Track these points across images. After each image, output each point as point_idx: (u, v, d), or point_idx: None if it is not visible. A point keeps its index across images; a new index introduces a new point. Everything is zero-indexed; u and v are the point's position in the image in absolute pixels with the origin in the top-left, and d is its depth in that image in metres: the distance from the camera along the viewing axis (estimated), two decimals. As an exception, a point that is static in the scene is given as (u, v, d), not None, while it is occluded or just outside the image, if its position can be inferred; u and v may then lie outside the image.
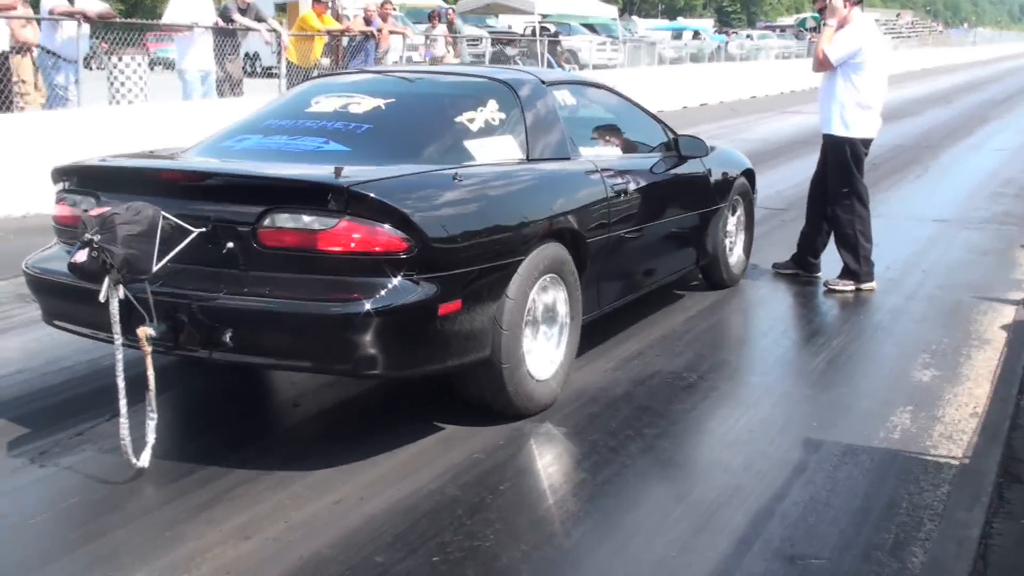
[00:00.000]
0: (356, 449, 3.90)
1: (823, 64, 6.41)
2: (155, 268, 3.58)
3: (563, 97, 5.19)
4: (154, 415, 3.67)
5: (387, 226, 3.58)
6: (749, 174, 6.70)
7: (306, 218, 3.60)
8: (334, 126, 4.41)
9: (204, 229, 3.69)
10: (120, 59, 10.51)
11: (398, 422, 4.18)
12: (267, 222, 3.63)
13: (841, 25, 6.37)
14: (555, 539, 3.26)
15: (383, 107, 4.58)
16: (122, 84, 10.59)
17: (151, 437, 3.68)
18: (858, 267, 6.45)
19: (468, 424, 4.15)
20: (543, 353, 4.35)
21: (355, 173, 3.80)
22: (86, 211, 3.75)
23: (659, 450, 3.95)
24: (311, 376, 4.68)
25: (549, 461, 3.90)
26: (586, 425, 4.21)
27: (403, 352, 3.71)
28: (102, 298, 3.53)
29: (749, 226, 6.78)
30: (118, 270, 3.49)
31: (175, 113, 10.25)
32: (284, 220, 3.62)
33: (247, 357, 3.79)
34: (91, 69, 11.18)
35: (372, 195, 3.60)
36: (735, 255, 6.60)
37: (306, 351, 3.68)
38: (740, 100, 24.37)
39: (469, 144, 4.41)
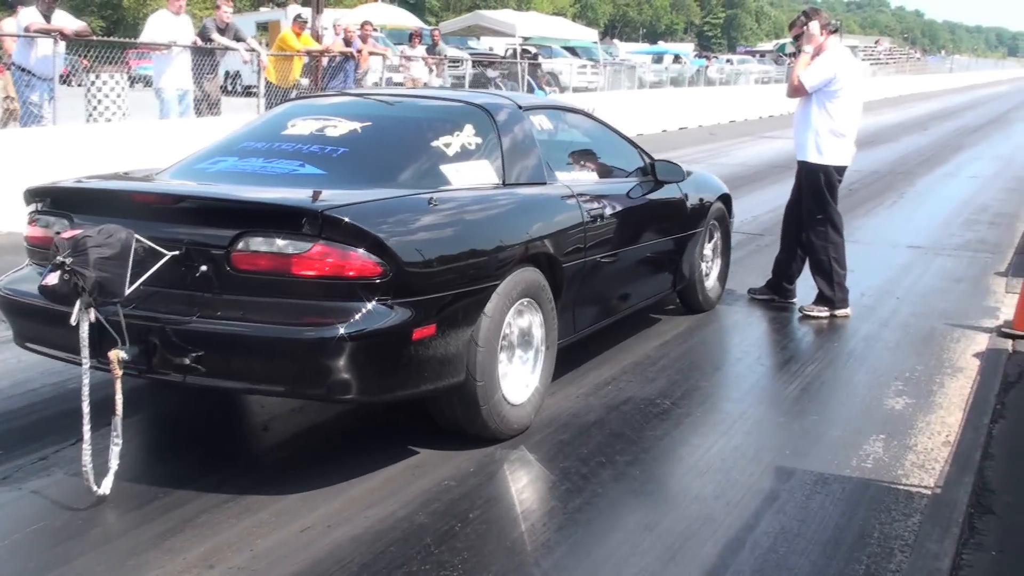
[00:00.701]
0: (325, 475, 3.86)
1: (797, 90, 6.45)
2: (127, 291, 3.54)
3: (539, 122, 5.21)
4: (119, 441, 3.62)
5: (361, 250, 3.57)
6: (726, 199, 6.72)
7: (280, 242, 3.59)
8: (309, 149, 4.39)
9: (177, 252, 3.67)
10: (98, 76, 10.47)
11: (368, 448, 4.14)
12: (241, 245, 3.61)
13: (817, 52, 6.41)
14: (524, 568, 3.22)
15: (359, 130, 4.58)
16: (99, 102, 10.54)
17: (114, 464, 3.62)
18: (832, 293, 6.47)
19: (439, 450, 4.12)
20: (518, 377, 4.34)
21: (330, 197, 3.79)
22: (58, 233, 3.71)
23: (630, 478, 3.93)
24: (281, 400, 4.64)
25: (520, 489, 3.87)
26: (557, 452, 4.18)
27: (377, 377, 3.69)
28: (73, 321, 3.49)
29: (726, 251, 6.81)
30: (89, 293, 3.45)
31: (152, 132, 10.21)
32: (258, 244, 3.61)
33: (220, 381, 3.75)
34: (71, 86, 11.13)
35: (346, 219, 3.58)
36: (711, 280, 6.62)
37: (279, 375, 3.65)
38: (719, 124, 24.52)
39: (445, 168, 4.41)
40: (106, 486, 3.59)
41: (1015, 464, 4.18)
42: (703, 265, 6.43)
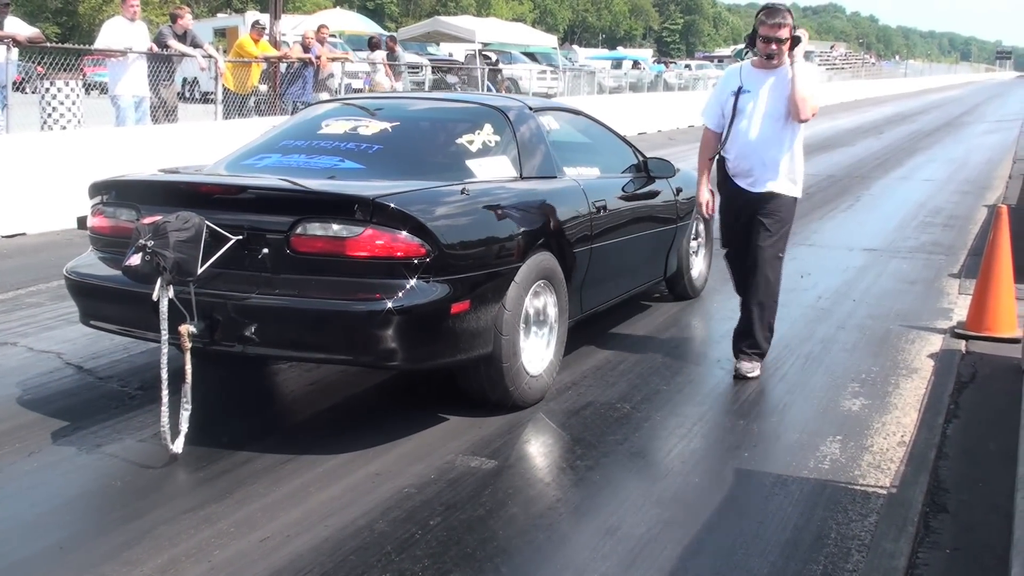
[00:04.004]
0: (283, 484, 3.84)
1: (813, 112, 5.25)
2: (199, 271, 3.93)
3: (547, 122, 5.57)
4: (188, 406, 4.03)
5: (406, 233, 4.00)
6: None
7: (335, 226, 4.01)
8: (347, 146, 4.87)
9: (240, 237, 4.05)
10: (52, 84, 10.35)
11: (326, 455, 4.12)
12: (299, 230, 4.02)
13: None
14: (485, 574, 3.22)
15: (390, 130, 5.07)
16: (54, 109, 10.42)
17: (184, 426, 4.01)
18: (767, 345, 5.47)
19: (399, 457, 4.12)
20: (535, 351, 4.78)
21: (376, 187, 4.22)
22: (139, 219, 4.15)
23: (590, 483, 3.94)
24: (234, 409, 4.63)
25: (480, 495, 3.84)
26: (518, 458, 4.19)
27: (419, 346, 4.11)
28: (155, 297, 3.89)
29: (708, 243, 7.24)
30: (169, 272, 3.84)
31: (108, 139, 10.10)
32: (315, 228, 4.03)
33: (277, 350, 4.27)
34: (25, 93, 10.99)
35: (394, 206, 4.02)
36: (696, 269, 7.06)
37: (332, 345, 4.09)
38: (678, 129, 24.68)
39: (470, 163, 4.86)
40: (178, 445, 3.98)
41: (969, 463, 4.24)
42: (690, 255, 6.85)
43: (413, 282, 4.01)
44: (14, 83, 9.89)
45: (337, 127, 5.13)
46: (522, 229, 4.62)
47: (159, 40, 11.83)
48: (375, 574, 3.18)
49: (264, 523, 3.52)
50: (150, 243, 3.84)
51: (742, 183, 5.35)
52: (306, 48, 14.50)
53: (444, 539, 3.43)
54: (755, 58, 5.30)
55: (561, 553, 3.37)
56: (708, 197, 5.55)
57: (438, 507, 3.67)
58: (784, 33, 5.10)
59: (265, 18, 16.08)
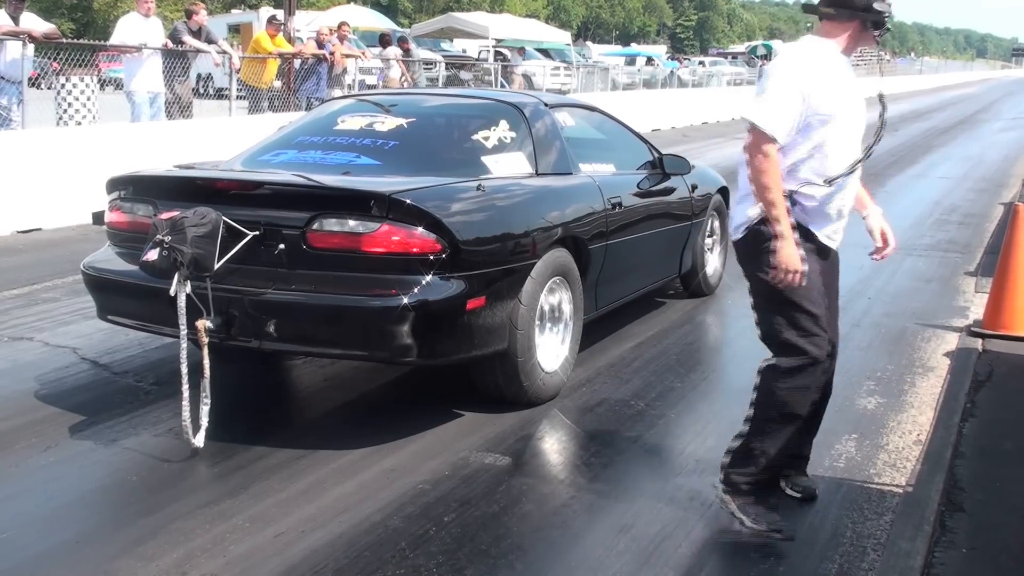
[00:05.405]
0: (298, 480, 3.85)
1: None
2: (216, 267, 3.96)
3: (562, 118, 5.58)
4: (208, 400, 4.04)
5: (422, 229, 4.02)
6: (724, 191, 7.17)
7: (351, 222, 4.03)
8: (363, 142, 4.92)
9: (257, 232, 4.08)
10: (68, 79, 10.38)
11: (340, 452, 4.13)
12: (315, 226, 4.04)
13: None
14: (498, 572, 3.22)
15: (406, 126, 5.12)
16: (69, 105, 10.46)
17: (204, 420, 4.05)
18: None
19: (413, 454, 4.12)
20: (550, 348, 4.79)
21: (392, 183, 4.25)
22: (156, 215, 4.16)
23: (604, 480, 3.94)
24: (248, 405, 4.64)
25: (494, 492, 3.84)
26: (533, 455, 4.19)
27: (435, 342, 4.12)
28: (172, 292, 3.91)
29: (724, 240, 7.21)
30: (187, 267, 3.87)
31: (123, 135, 10.12)
32: (331, 224, 4.05)
33: (293, 346, 4.33)
34: (40, 89, 11.03)
35: (410, 202, 4.04)
36: (711, 266, 7.04)
37: (348, 340, 4.12)
38: (692, 126, 24.62)
39: (486, 159, 4.89)
40: (200, 439, 4.02)
41: (985, 462, 4.22)
42: (704, 252, 6.84)
43: (429, 278, 4.01)
44: (29, 79, 9.92)
45: (353, 123, 5.16)
46: (538, 226, 4.63)
47: (174, 36, 11.85)
48: (389, 570, 3.18)
49: (279, 518, 3.53)
50: (167, 238, 3.87)
51: (824, 234, 3.68)
52: (320, 44, 14.51)
53: (458, 535, 3.43)
54: (826, 41, 3.73)
55: (575, 550, 3.37)
56: (805, 266, 3.49)
57: (452, 503, 3.67)
58: None
59: (279, 14, 16.09)
